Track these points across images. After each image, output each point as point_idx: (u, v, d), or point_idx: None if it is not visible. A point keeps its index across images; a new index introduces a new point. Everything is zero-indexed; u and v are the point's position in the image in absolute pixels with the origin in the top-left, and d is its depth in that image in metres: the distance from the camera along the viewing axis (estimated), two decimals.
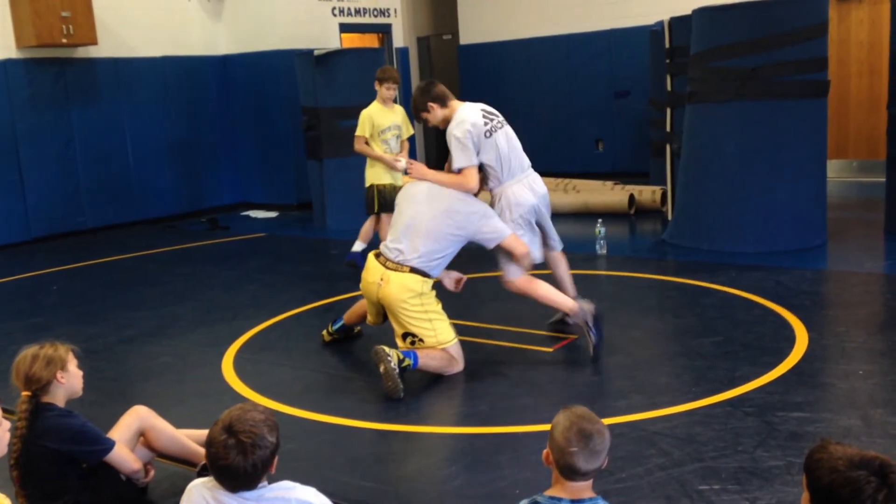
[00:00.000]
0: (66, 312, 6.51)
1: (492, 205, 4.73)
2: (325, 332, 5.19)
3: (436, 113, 4.73)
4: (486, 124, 4.62)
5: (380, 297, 4.45)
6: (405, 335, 4.42)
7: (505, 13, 12.53)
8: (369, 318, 4.82)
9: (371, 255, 4.62)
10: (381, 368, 4.18)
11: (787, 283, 5.88)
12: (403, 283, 4.36)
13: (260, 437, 2.24)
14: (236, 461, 2.21)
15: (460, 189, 4.57)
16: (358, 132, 6.92)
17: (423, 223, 4.45)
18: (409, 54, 13.11)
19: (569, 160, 11.92)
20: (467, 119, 4.59)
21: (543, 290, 4.69)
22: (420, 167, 4.77)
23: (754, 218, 6.96)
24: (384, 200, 6.94)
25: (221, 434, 2.23)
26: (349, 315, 5.07)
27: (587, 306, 4.55)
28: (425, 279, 4.40)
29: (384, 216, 6.95)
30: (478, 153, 4.57)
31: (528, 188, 4.75)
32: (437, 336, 4.39)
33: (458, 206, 4.51)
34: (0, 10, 9.22)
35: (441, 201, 4.51)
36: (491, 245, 4.59)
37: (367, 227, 7.22)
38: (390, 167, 6.79)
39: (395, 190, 6.96)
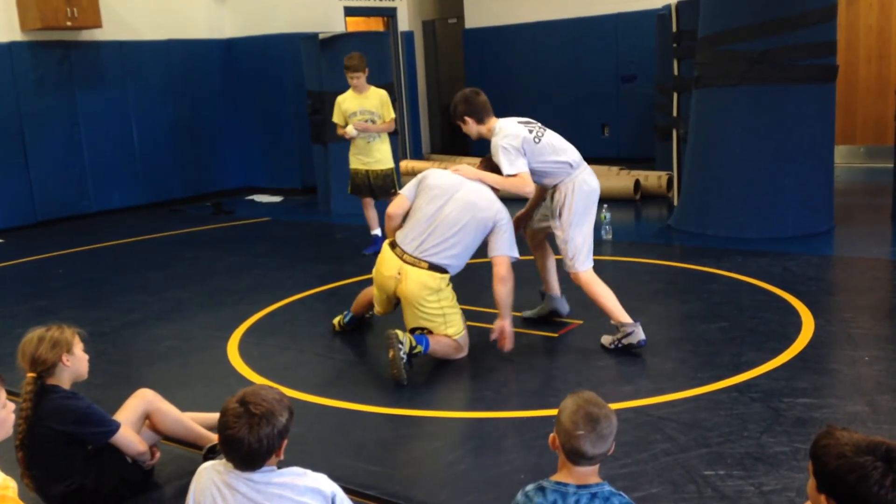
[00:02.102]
0: (72, 295, 6.52)
1: (561, 201, 4.56)
2: (335, 322, 5.14)
3: (470, 128, 4.67)
4: (530, 132, 4.55)
5: (398, 291, 4.37)
6: (414, 329, 4.39)
7: None
8: (377, 309, 4.73)
9: (386, 246, 4.48)
10: (390, 354, 4.16)
11: (793, 268, 5.86)
12: (422, 282, 4.27)
13: (270, 412, 2.25)
14: (242, 432, 2.21)
15: (517, 191, 4.48)
16: (333, 118, 7.35)
17: (446, 217, 4.33)
18: (414, 38, 13.06)
19: (574, 145, 11.81)
20: (513, 132, 4.50)
21: (605, 295, 4.57)
22: (470, 169, 4.57)
23: (761, 203, 6.93)
24: (353, 185, 7.33)
25: (233, 404, 2.26)
26: (356, 305, 5.02)
27: (639, 333, 4.45)
28: (443, 275, 4.33)
29: (366, 200, 7.33)
30: (533, 161, 4.48)
31: (591, 176, 4.69)
32: (448, 329, 4.37)
33: (484, 203, 4.38)
34: None
35: (466, 195, 4.38)
36: (493, 253, 4.42)
37: (366, 213, 7.47)
38: (346, 137, 7.20)
39: (357, 174, 7.26)
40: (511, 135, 4.50)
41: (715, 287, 5.56)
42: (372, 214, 7.33)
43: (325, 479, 2.38)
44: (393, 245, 4.45)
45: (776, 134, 6.83)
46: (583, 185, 4.59)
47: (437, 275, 4.30)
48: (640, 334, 4.44)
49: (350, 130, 7.07)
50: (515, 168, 4.45)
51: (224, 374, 4.49)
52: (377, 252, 6.74)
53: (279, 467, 2.36)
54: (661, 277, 6.05)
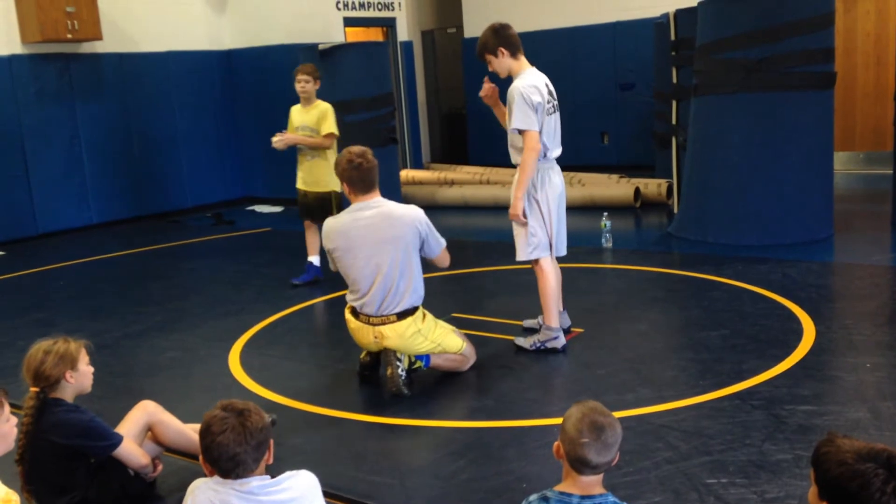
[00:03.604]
0: (73, 307, 6.52)
1: (535, 192, 4.57)
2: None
3: (504, 61, 4.51)
4: (549, 102, 4.50)
5: (383, 348, 4.21)
6: None
7: (509, 6, 12.48)
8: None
9: (349, 315, 4.27)
10: (388, 372, 4.15)
11: (793, 275, 5.86)
12: (400, 333, 4.12)
13: (255, 408, 2.31)
14: (235, 432, 2.23)
15: (532, 153, 4.36)
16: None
17: (382, 266, 4.07)
18: (413, 48, 13.08)
19: (574, 153, 11.74)
20: (536, 86, 4.42)
21: (549, 288, 4.61)
22: (514, 204, 4.47)
23: (760, 210, 6.94)
24: (298, 206, 6.79)
25: (216, 411, 2.30)
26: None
27: (560, 339, 4.59)
28: (416, 314, 4.18)
29: (307, 223, 6.71)
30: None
31: (558, 175, 4.69)
32: (446, 350, 4.33)
33: (399, 228, 4.09)
34: (5, 5, 9.24)
35: (382, 234, 4.07)
36: (432, 254, 4.24)
37: (306, 237, 6.84)
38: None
39: (298, 193, 6.70)
40: (533, 88, 4.40)
41: (715, 294, 5.56)
42: (311, 239, 6.65)
43: (311, 477, 2.42)
44: (354, 312, 4.23)
45: (775, 141, 6.84)
46: (546, 181, 4.57)
47: (410, 318, 4.15)
48: (562, 340, 4.59)
49: (274, 140, 6.52)
50: (529, 124, 4.36)
51: (226, 385, 4.49)
52: (308, 282, 6.57)
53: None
54: (662, 285, 6.05)
